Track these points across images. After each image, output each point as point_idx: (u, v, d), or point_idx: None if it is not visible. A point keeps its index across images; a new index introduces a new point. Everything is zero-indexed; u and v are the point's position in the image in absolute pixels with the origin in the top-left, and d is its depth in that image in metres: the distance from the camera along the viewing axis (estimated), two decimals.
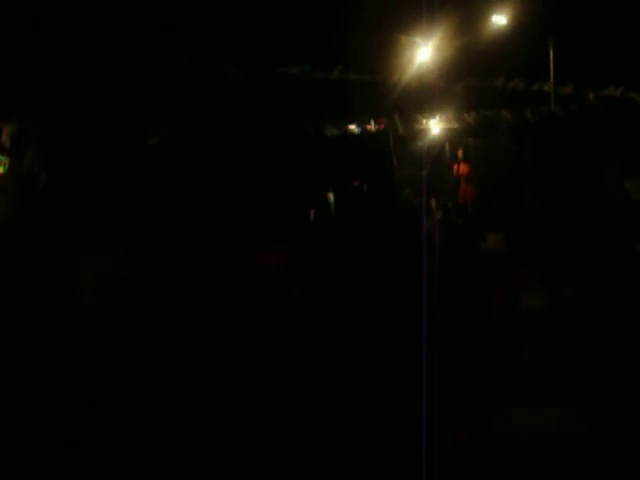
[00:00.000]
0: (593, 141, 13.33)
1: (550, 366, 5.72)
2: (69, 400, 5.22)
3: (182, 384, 5.52)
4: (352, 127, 15.89)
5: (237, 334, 6.14)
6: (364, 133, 15.92)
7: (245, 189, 12.97)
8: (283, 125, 14.33)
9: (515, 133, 14.96)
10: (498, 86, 14.53)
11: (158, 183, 12.44)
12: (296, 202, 13.57)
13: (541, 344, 6.07)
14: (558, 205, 11.57)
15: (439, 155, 15.52)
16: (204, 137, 13.27)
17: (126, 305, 6.71)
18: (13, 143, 12.21)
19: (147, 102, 12.46)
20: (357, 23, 12.13)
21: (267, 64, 13.45)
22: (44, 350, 5.67)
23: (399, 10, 11.57)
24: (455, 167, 15.13)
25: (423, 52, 12.80)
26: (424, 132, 15.55)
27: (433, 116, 15.43)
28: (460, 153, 15.12)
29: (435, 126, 15.52)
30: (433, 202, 14.36)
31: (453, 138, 15.49)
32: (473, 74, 14.13)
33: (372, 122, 15.79)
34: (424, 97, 14.34)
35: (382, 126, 15.61)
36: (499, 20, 12.82)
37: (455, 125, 15.43)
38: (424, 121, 15.52)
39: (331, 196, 15.18)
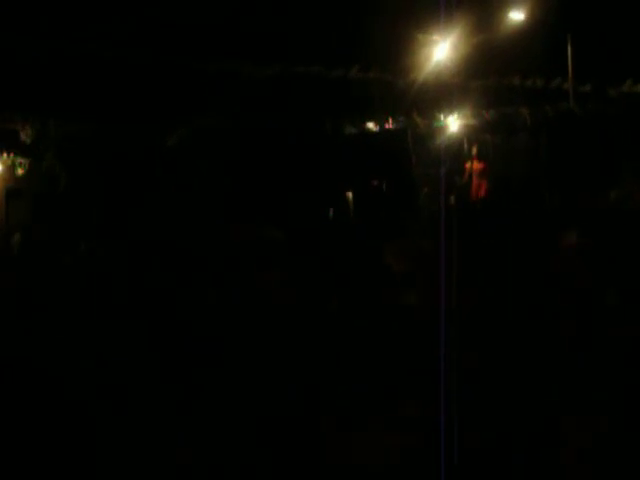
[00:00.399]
0: (612, 138, 13.25)
1: None
2: None
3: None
4: (370, 125, 15.88)
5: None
6: (382, 131, 15.90)
7: (262, 188, 13.01)
8: (301, 124, 14.35)
9: (533, 130, 14.89)
10: (516, 83, 14.49)
11: (177, 183, 12.51)
12: (315, 202, 13.60)
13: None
14: (577, 202, 11.52)
15: (457, 153, 15.46)
16: (222, 137, 13.32)
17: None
18: (32, 144, 12.32)
19: (165, 103, 12.53)
20: (375, 21, 12.12)
21: (285, 63, 13.49)
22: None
23: (417, 8, 11.55)
24: (468, 164, 15.09)
25: (441, 50, 12.73)
26: (442, 130, 15.50)
27: (451, 114, 15.38)
28: (474, 150, 15.09)
29: (453, 124, 15.47)
30: (452, 199, 14.33)
31: (471, 135, 15.43)
32: (491, 71, 14.09)
33: (390, 120, 15.77)
34: (442, 95, 14.30)
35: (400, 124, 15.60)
36: (516, 16, 12.76)
37: (473, 122, 15.37)
38: (442, 119, 15.47)
39: (350, 195, 15.20)
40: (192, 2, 11.45)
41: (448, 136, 15.35)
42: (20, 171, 12.34)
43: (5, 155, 12.63)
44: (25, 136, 12.12)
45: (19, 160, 12.54)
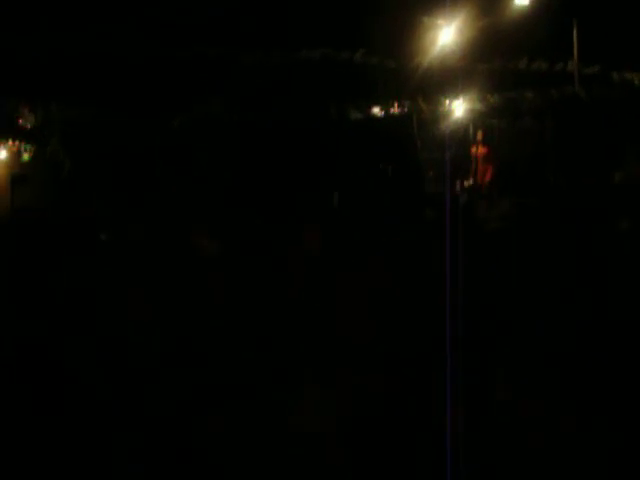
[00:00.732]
0: (617, 122, 13.22)
1: None
2: None
3: None
4: (375, 110, 15.84)
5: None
6: (388, 116, 15.85)
7: (265, 174, 13.01)
8: (305, 109, 14.33)
9: (538, 114, 14.85)
10: (521, 67, 14.44)
11: (181, 168, 12.52)
12: (319, 186, 13.59)
13: None
14: (582, 185, 11.51)
15: (463, 137, 15.42)
16: (226, 123, 13.32)
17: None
18: (37, 130, 12.34)
19: (169, 89, 12.53)
20: (379, 5, 12.10)
21: (289, 48, 13.47)
22: None
23: None
24: (473, 149, 15.06)
25: (446, 34, 12.70)
26: (447, 114, 15.46)
27: (456, 98, 15.33)
28: (479, 135, 15.06)
29: (458, 108, 15.42)
30: (457, 185, 14.33)
31: (476, 120, 15.38)
32: (496, 55, 14.05)
33: (395, 105, 15.72)
34: (447, 79, 14.26)
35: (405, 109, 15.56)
36: (522, 0, 12.72)
37: (478, 106, 15.32)
38: (447, 103, 15.42)
39: (355, 180, 15.17)
40: None
41: (453, 121, 15.31)
42: (27, 156, 12.37)
43: (10, 142, 12.66)
44: (25, 121, 12.14)
45: (27, 146, 12.58)
